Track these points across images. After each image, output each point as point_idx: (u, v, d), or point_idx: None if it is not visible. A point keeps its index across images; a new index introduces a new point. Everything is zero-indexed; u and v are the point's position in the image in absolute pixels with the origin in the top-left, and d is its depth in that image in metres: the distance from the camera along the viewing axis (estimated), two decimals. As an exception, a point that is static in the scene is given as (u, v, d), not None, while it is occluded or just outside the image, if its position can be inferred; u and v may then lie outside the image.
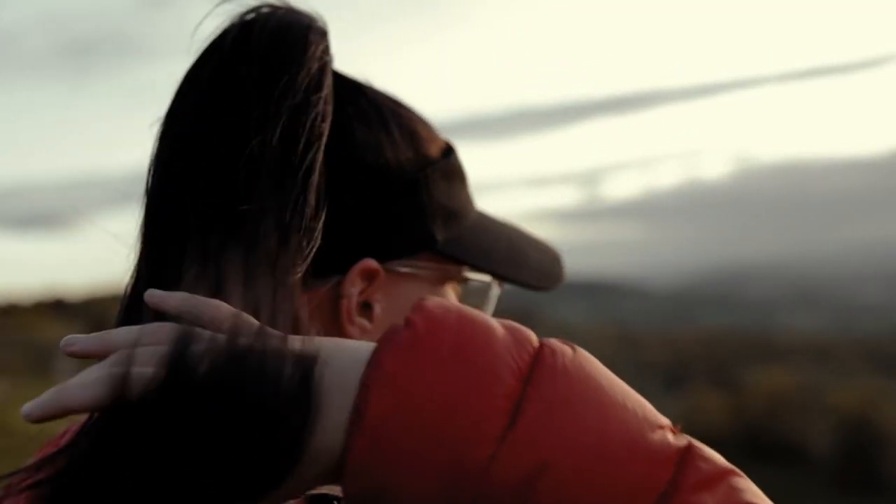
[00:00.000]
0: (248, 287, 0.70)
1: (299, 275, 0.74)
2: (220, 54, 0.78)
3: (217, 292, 0.68)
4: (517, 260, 0.97)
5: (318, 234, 0.77)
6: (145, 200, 0.79)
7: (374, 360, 0.59)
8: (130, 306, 0.76)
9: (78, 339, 0.65)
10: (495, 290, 0.98)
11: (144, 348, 0.61)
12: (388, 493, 0.58)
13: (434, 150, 0.90)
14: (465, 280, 0.95)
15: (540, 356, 0.60)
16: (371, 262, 0.84)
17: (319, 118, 0.77)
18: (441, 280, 0.92)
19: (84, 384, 0.59)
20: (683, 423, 0.64)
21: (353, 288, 0.84)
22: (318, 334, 0.79)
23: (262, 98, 0.75)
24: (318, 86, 0.78)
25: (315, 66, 0.78)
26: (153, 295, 0.67)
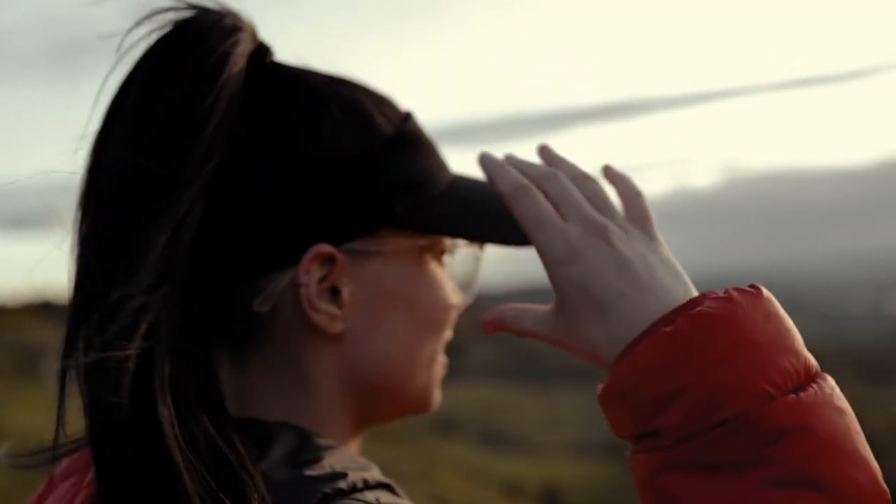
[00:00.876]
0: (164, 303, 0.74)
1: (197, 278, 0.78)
2: (133, 68, 0.80)
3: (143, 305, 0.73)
4: (496, 219, 0.91)
5: (269, 229, 0.82)
6: (79, 211, 0.80)
7: (720, 294, 0.73)
8: (78, 309, 0.76)
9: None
10: (478, 255, 0.97)
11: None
12: (663, 375, 0.70)
13: (384, 123, 0.89)
14: (444, 251, 0.94)
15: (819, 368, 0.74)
16: (323, 247, 0.83)
17: (210, 107, 0.78)
18: (414, 254, 0.90)
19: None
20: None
21: (308, 276, 0.83)
22: (284, 328, 0.86)
23: (151, 100, 0.77)
24: (214, 77, 0.79)
25: (212, 60, 0.79)
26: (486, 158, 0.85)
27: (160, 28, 0.81)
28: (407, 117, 0.92)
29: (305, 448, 0.79)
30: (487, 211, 0.92)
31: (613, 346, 0.74)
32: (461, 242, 0.94)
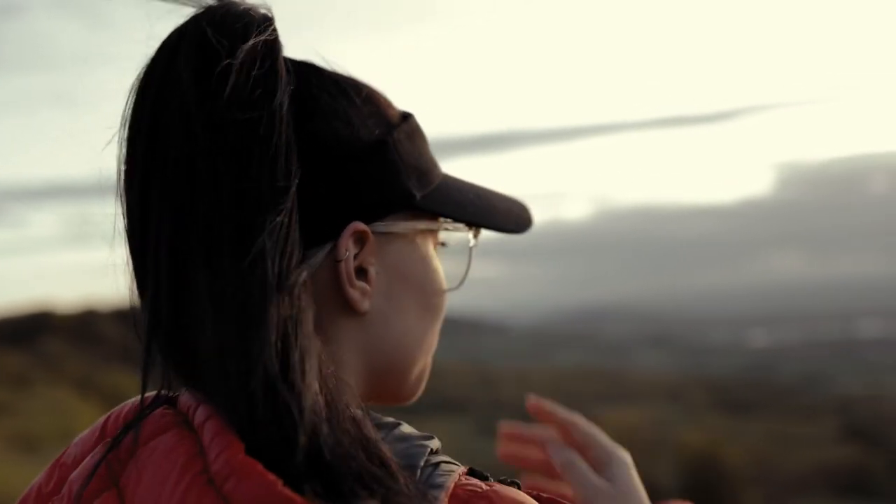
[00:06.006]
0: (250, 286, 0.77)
1: (293, 254, 0.79)
2: (168, 58, 0.82)
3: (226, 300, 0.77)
4: (489, 209, 1.02)
5: (308, 207, 0.82)
6: (124, 214, 0.83)
7: None
8: (153, 325, 0.82)
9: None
10: (472, 241, 1.03)
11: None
12: None
13: (394, 114, 0.94)
14: (441, 240, 1.00)
15: None
16: (360, 225, 0.87)
17: (280, 104, 0.80)
18: (424, 237, 0.95)
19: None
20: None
21: (347, 251, 0.86)
22: (318, 300, 0.84)
23: (210, 99, 0.79)
24: (271, 73, 0.81)
25: (260, 56, 0.81)
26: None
27: (187, 25, 0.82)
28: (407, 112, 0.97)
29: (368, 415, 0.83)
30: (483, 200, 1.02)
31: None
32: (457, 227, 0.99)
